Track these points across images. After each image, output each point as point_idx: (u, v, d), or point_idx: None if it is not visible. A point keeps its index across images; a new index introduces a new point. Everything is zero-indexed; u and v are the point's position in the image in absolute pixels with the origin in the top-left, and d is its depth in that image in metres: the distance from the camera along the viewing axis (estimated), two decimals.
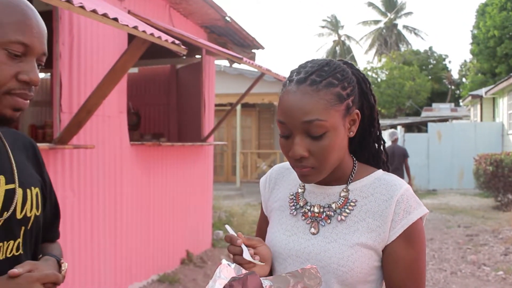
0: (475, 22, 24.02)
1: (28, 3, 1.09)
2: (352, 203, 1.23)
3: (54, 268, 1.14)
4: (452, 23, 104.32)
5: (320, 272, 1.08)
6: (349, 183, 1.26)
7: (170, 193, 5.59)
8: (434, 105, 25.77)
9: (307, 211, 1.27)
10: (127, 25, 2.69)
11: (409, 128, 20.92)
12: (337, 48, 38.50)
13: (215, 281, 0.99)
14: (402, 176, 8.52)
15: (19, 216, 1.10)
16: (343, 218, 1.22)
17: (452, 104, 26.56)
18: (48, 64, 4.03)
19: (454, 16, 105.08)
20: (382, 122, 22.08)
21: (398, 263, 1.19)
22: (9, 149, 1.15)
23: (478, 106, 18.36)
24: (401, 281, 1.19)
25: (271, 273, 1.26)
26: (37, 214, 1.17)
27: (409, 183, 8.56)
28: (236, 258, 1.16)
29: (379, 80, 26.30)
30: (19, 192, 1.11)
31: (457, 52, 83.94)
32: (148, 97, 7.74)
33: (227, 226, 1.22)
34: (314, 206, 1.26)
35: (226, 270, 1.01)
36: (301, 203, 1.29)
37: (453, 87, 30.34)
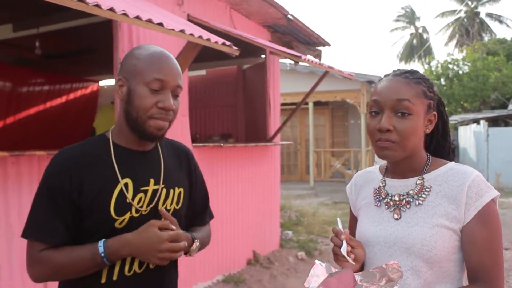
0: None
1: (164, 50, 1.48)
2: (427, 189, 1.39)
3: (187, 240, 1.49)
4: None
5: (401, 266, 1.20)
6: (424, 173, 1.42)
7: (235, 194, 5.60)
8: None
9: (389, 200, 1.44)
10: (173, 29, 2.71)
11: (494, 122, 19.63)
12: (414, 41, 36.90)
13: (310, 278, 1.18)
14: None
15: (160, 208, 1.49)
16: (420, 202, 1.38)
17: None
18: (112, 71, 4.17)
19: None
20: (464, 116, 20.90)
21: (476, 242, 1.30)
22: (162, 157, 1.56)
23: None
24: (479, 260, 1.29)
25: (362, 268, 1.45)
26: (177, 208, 1.57)
27: None
28: (335, 249, 1.36)
29: (460, 72, 24.90)
30: (163, 191, 1.52)
31: None
32: (216, 98, 7.87)
33: (338, 219, 1.42)
34: (394, 195, 1.43)
35: (318, 269, 1.19)
36: (383, 195, 1.46)
37: None
